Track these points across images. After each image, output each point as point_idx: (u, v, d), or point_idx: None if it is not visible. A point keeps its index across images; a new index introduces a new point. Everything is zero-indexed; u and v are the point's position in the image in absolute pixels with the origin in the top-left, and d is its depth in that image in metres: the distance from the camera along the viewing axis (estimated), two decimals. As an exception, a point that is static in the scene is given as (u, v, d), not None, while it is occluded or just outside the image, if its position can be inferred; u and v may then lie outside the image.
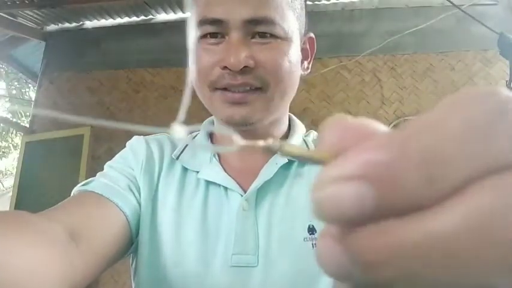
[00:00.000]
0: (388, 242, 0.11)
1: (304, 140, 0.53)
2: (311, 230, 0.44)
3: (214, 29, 0.44)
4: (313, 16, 2.74)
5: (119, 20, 2.86)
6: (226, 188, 0.47)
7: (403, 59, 2.41)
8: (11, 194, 2.65)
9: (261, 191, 0.46)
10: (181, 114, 0.15)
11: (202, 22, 0.44)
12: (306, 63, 0.53)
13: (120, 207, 0.44)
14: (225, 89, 0.44)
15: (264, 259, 0.43)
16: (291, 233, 0.44)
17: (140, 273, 0.46)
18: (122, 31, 2.83)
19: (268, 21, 0.43)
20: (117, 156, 0.52)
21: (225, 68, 0.43)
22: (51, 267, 0.31)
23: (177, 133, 0.14)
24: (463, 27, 2.26)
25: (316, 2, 2.59)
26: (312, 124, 2.63)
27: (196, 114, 0.56)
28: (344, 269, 0.12)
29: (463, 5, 1.67)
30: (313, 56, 0.54)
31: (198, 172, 0.49)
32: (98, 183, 0.45)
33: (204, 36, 0.45)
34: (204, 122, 0.55)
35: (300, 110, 2.39)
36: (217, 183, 0.48)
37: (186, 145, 0.53)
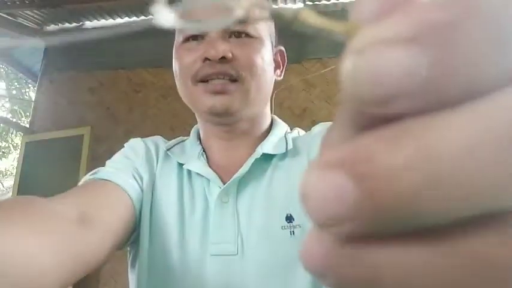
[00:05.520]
0: (428, 138, 0.08)
1: (285, 137, 0.55)
2: (289, 218, 0.46)
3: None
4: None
5: (118, 20, 2.86)
6: (208, 181, 0.51)
7: (403, 59, 2.41)
8: (11, 194, 2.65)
9: (242, 183, 0.50)
10: None
11: None
12: (278, 71, 0.59)
13: (125, 191, 0.47)
14: (206, 82, 0.49)
15: (243, 247, 0.46)
16: (270, 222, 0.46)
17: (140, 259, 0.49)
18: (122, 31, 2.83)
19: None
20: (116, 154, 0.56)
21: (205, 59, 0.48)
22: (58, 254, 0.33)
23: (161, 16, 0.11)
24: (463, 27, 2.26)
25: (316, 2, 2.59)
26: (312, 124, 2.61)
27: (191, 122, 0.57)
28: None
29: (463, 5, 1.68)
30: (285, 66, 0.60)
31: (185, 164, 0.53)
32: (104, 171, 0.49)
33: (186, 41, 0.51)
34: (193, 128, 0.61)
35: (300, 110, 2.39)
36: (200, 174, 0.51)
37: (177, 143, 0.58)
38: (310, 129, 0.58)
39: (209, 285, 0.46)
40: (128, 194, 0.47)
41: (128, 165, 0.52)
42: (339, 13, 2.57)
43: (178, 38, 0.52)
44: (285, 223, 0.46)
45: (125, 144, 0.57)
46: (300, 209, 0.45)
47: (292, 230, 0.46)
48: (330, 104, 2.41)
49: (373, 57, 0.08)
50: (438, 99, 0.08)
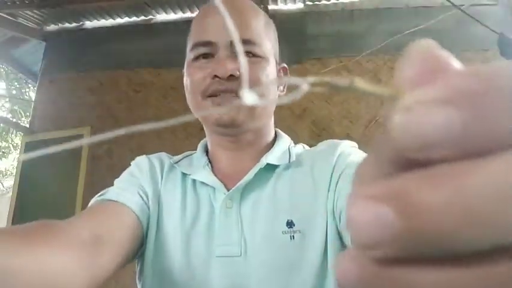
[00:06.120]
0: (465, 180, 0.10)
1: (288, 149, 0.59)
2: (289, 224, 0.49)
3: (206, 50, 0.53)
4: (313, 16, 2.74)
5: (118, 20, 2.86)
6: (214, 189, 0.54)
7: (403, 59, 2.40)
8: (11, 194, 2.65)
9: (246, 190, 0.53)
10: (245, 79, 0.15)
11: (196, 45, 0.54)
12: (281, 87, 0.63)
13: (131, 209, 0.50)
14: (215, 96, 0.52)
15: (246, 249, 0.49)
16: (272, 227, 0.49)
17: (146, 268, 0.52)
18: (122, 31, 2.83)
19: (250, 42, 0.52)
20: (123, 173, 0.59)
21: (214, 77, 0.51)
22: (77, 270, 0.39)
23: (247, 98, 0.14)
24: (463, 27, 2.26)
25: (316, 2, 2.59)
26: (312, 124, 2.63)
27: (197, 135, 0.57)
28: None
29: (463, 5, 1.68)
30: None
31: (191, 174, 0.57)
32: (111, 192, 0.52)
33: (196, 59, 0.54)
34: (200, 142, 0.65)
35: (300, 110, 2.39)
36: (205, 183, 0.55)
37: (184, 157, 0.62)
38: (310, 129, 0.60)
39: (214, 286, 0.48)
40: (134, 212, 0.50)
41: (133, 183, 0.55)
42: (339, 13, 2.57)
43: (189, 56, 0.55)
44: (286, 228, 0.49)
45: (131, 163, 0.61)
46: (300, 216, 0.49)
47: (292, 234, 0.48)
48: (329, 104, 2.41)
49: (419, 114, 0.10)
50: (471, 148, 0.10)
